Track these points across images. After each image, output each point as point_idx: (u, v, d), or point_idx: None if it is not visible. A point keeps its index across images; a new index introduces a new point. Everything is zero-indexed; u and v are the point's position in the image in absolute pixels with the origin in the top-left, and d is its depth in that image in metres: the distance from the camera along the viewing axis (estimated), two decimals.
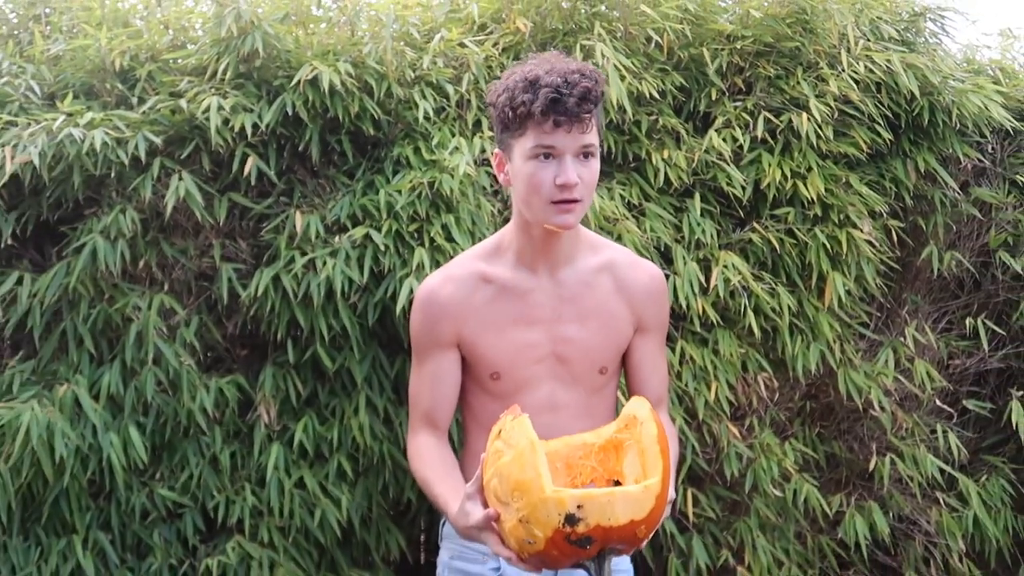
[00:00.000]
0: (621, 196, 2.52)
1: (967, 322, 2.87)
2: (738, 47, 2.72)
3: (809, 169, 2.64)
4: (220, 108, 2.24)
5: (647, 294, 1.87)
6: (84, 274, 2.17)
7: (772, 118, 2.65)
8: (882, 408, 2.68)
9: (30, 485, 2.12)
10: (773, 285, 2.59)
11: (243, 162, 2.29)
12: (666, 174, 2.57)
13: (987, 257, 2.93)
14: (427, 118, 2.42)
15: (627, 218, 2.47)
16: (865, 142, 2.69)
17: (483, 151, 2.40)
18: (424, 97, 2.43)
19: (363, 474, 2.32)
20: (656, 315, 1.90)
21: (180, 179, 2.23)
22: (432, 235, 2.28)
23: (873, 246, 2.68)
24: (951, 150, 2.79)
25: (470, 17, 2.66)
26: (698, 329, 2.53)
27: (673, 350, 2.46)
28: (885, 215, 2.75)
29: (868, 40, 2.75)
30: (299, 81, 2.29)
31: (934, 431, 2.76)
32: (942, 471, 2.73)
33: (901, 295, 2.90)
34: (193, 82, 2.36)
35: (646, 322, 1.87)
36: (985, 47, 3.11)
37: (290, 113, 2.31)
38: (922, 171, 2.78)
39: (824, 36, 2.72)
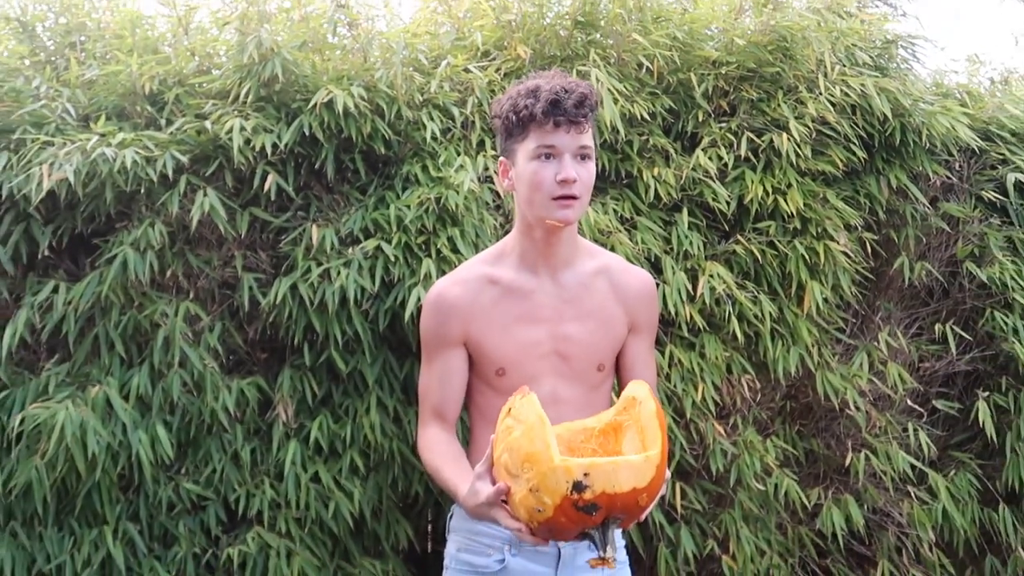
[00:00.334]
0: (614, 210, 2.52)
1: (936, 328, 2.86)
2: (723, 72, 2.72)
3: (789, 185, 2.63)
4: (242, 129, 2.24)
5: (639, 297, 1.89)
6: (115, 283, 2.17)
7: (754, 138, 2.65)
8: (857, 408, 2.68)
9: (64, 479, 2.11)
10: (755, 293, 2.59)
11: (263, 179, 2.29)
12: (656, 190, 2.57)
13: (955, 267, 2.92)
14: (434, 138, 2.42)
15: (620, 231, 2.47)
16: (841, 160, 2.69)
17: (486, 169, 2.40)
18: (431, 119, 2.43)
19: (374, 469, 2.32)
20: (647, 317, 1.91)
21: (205, 195, 2.23)
22: (439, 247, 2.28)
23: (849, 257, 2.67)
24: (921, 168, 2.79)
25: (474, 44, 2.66)
26: (686, 334, 2.53)
27: (663, 353, 2.46)
28: (860, 228, 2.74)
29: (844, 66, 2.75)
30: (315, 104, 2.29)
31: (905, 429, 2.75)
32: (913, 467, 2.72)
33: (875, 303, 2.89)
34: (217, 105, 2.36)
35: (638, 323, 1.89)
36: (953, 72, 3.11)
37: (307, 133, 2.31)
38: (894, 187, 2.77)
39: (803, 62, 2.72)
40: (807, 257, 2.62)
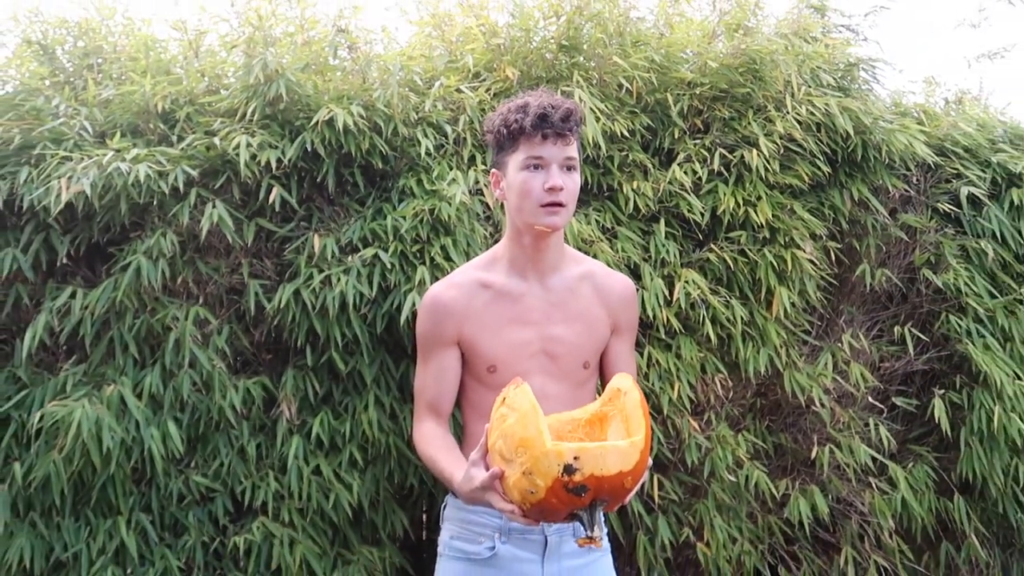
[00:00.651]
0: (597, 221, 2.53)
1: (896, 330, 2.87)
2: (697, 92, 2.73)
3: (759, 198, 2.65)
4: (248, 145, 2.24)
5: (621, 300, 1.91)
6: (129, 289, 2.17)
7: (727, 154, 2.67)
8: (822, 404, 2.69)
9: (80, 473, 2.11)
10: (728, 298, 2.60)
11: (268, 192, 2.29)
12: (635, 202, 2.58)
13: (913, 274, 2.93)
14: (428, 154, 2.43)
15: (602, 240, 2.48)
16: (807, 174, 2.70)
17: (477, 182, 2.41)
18: (426, 136, 2.44)
19: (372, 462, 2.32)
20: (628, 319, 1.93)
21: (214, 207, 2.23)
22: (432, 255, 2.28)
23: (814, 264, 2.69)
24: (881, 181, 2.81)
25: (466, 66, 2.67)
26: (663, 336, 2.54)
27: (641, 354, 2.47)
28: (824, 237, 2.76)
29: (809, 87, 2.76)
30: (317, 122, 2.30)
31: (867, 424, 2.77)
32: (874, 459, 2.74)
33: (839, 306, 2.90)
34: (225, 122, 2.36)
35: (620, 325, 1.91)
36: (910, 92, 3.13)
37: (309, 149, 2.32)
38: (856, 200, 2.79)
39: (771, 83, 2.73)
40: (775, 264, 2.63)
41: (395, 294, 2.26)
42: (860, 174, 2.80)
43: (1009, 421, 2.76)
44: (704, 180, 2.66)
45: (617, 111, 2.65)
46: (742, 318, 2.59)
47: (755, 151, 2.63)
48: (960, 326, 2.84)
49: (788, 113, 2.68)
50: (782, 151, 2.68)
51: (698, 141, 2.71)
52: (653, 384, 2.47)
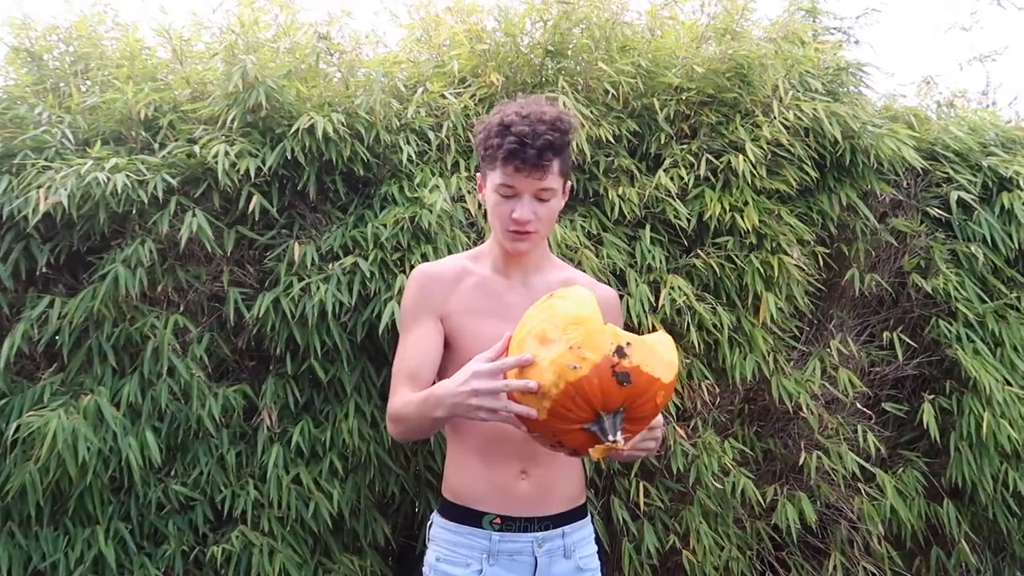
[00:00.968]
0: (582, 227, 2.44)
1: (885, 335, 2.77)
2: (684, 97, 2.62)
3: (746, 203, 2.54)
4: (227, 154, 2.16)
5: (606, 307, 1.81)
6: (107, 298, 2.09)
7: (713, 159, 2.56)
8: (811, 410, 2.59)
9: (58, 482, 2.04)
10: (714, 304, 2.50)
11: (249, 200, 2.21)
12: (621, 208, 2.49)
13: (903, 278, 2.82)
14: (410, 160, 2.34)
15: (587, 247, 2.39)
16: (795, 179, 2.60)
17: (459, 189, 2.32)
18: (408, 142, 2.36)
19: (352, 471, 2.24)
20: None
21: (193, 215, 2.15)
22: (413, 263, 2.19)
23: (802, 270, 2.58)
24: (870, 186, 2.69)
25: (451, 72, 2.57)
26: None
27: None
28: (813, 243, 2.65)
29: (797, 91, 2.65)
30: (298, 129, 2.21)
31: (856, 430, 2.66)
32: (862, 466, 2.63)
33: (828, 312, 2.80)
34: (208, 130, 2.28)
35: None
36: (902, 96, 3.01)
37: (290, 157, 2.23)
38: (844, 205, 2.67)
39: (759, 88, 2.63)
40: (762, 270, 2.53)
41: (375, 302, 2.18)
42: (849, 179, 2.69)
43: (999, 427, 2.65)
44: (691, 185, 2.56)
45: (603, 116, 2.55)
46: (729, 324, 2.49)
47: (742, 156, 2.53)
48: (950, 331, 2.73)
49: (775, 118, 2.57)
50: (769, 156, 2.57)
51: (685, 146, 2.61)
52: None
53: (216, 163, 2.15)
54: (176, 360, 2.12)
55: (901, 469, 2.75)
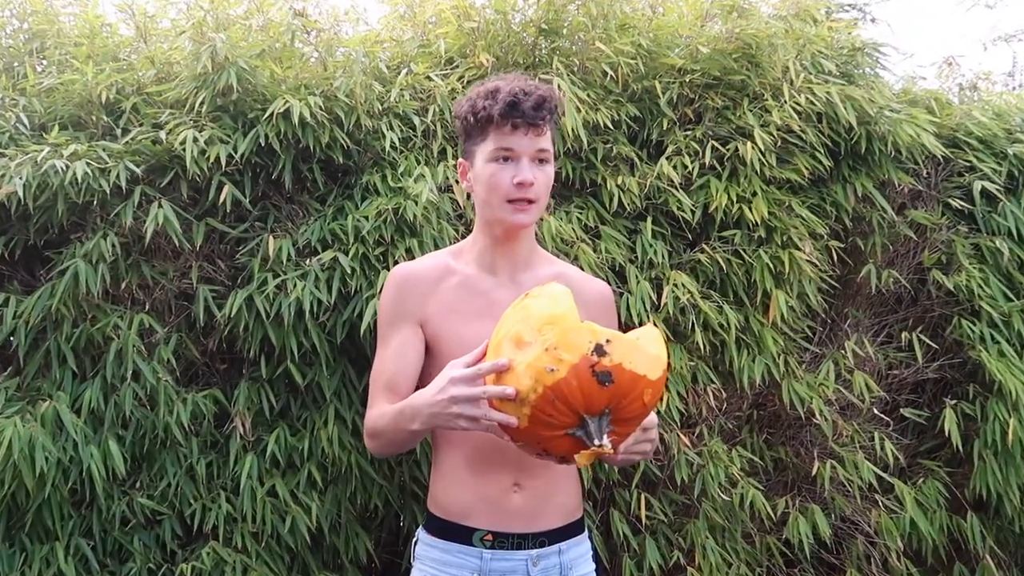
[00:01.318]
0: (578, 219, 2.47)
1: (904, 336, 2.81)
2: (688, 80, 2.66)
3: (754, 194, 2.58)
4: (196, 140, 2.18)
5: (596, 304, 1.85)
6: (67, 296, 2.11)
7: (719, 146, 2.60)
8: (824, 417, 2.63)
9: (13, 495, 2.06)
10: (720, 302, 2.53)
11: (219, 190, 2.23)
12: (620, 199, 2.52)
13: (922, 275, 2.87)
14: (394, 147, 2.37)
15: (584, 241, 2.42)
16: (807, 168, 2.64)
17: (447, 178, 2.35)
18: (391, 128, 2.38)
19: (332, 482, 2.27)
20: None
21: (160, 206, 2.17)
22: (397, 258, 2.22)
23: (814, 265, 2.62)
24: (887, 176, 2.74)
25: (437, 52, 2.60)
26: None
27: None
28: (826, 236, 2.69)
29: (809, 73, 2.69)
30: (272, 114, 2.24)
31: (873, 438, 2.70)
32: (879, 477, 2.67)
33: (843, 310, 2.84)
34: (174, 114, 2.30)
35: None
36: (921, 78, 3.05)
37: (264, 144, 2.26)
38: (860, 195, 2.72)
39: (768, 70, 2.67)
40: (772, 266, 2.57)
41: (356, 300, 2.21)
42: (865, 168, 2.73)
43: None
44: (695, 175, 2.59)
45: (601, 100, 2.58)
46: (736, 324, 2.53)
47: (750, 143, 2.56)
48: (973, 331, 2.78)
49: (786, 102, 2.61)
50: (779, 143, 2.61)
51: (689, 133, 2.65)
52: None
53: (184, 150, 2.17)
54: (141, 363, 2.15)
55: (921, 480, 2.79)
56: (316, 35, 2.51)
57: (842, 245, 2.73)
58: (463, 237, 2.33)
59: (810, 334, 2.75)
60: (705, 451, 2.52)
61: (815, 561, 2.74)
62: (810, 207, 2.67)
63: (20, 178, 2.06)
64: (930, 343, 2.80)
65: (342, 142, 2.32)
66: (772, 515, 2.57)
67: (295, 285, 2.17)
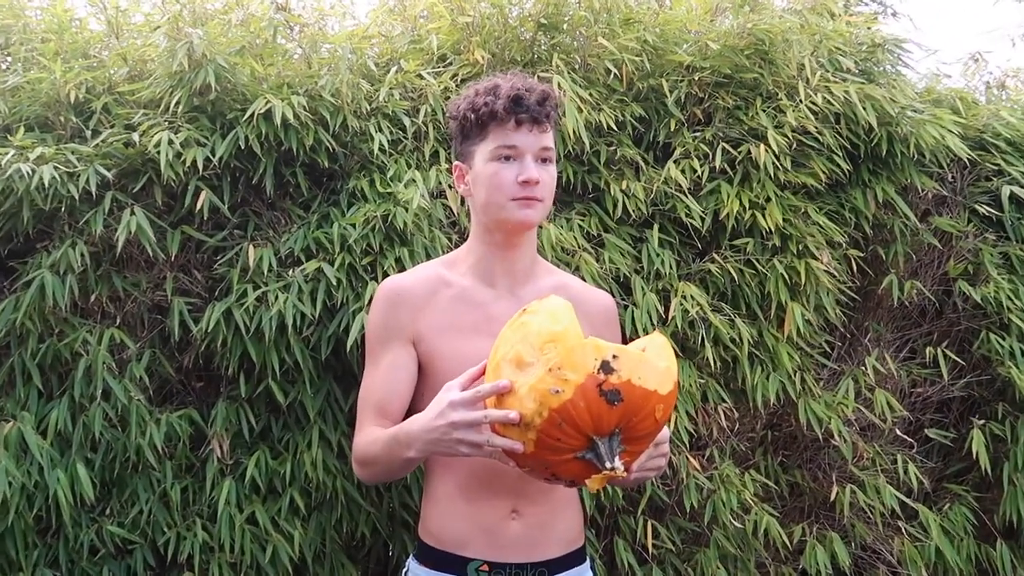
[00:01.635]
0: (580, 226, 2.49)
1: (928, 351, 2.83)
2: (697, 78, 2.69)
3: (768, 200, 2.60)
4: (171, 142, 2.20)
5: (601, 316, 1.87)
6: (32, 309, 2.12)
7: (731, 149, 2.62)
8: (843, 438, 2.64)
9: None
10: (732, 316, 2.55)
11: (196, 196, 2.25)
12: (625, 205, 2.54)
13: (948, 286, 2.89)
14: (383, 150, 2.38)
15: (586, 250, 2.44)
16: (824, 172, 2.66)
17: (439, 183, 2.37)
18: (380, 129, 2.40)
19: (316, 509, 2.27)
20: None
21: (132, 213, 2.18)
22: (386, 268, 2.23)
23: (833, 276, 2.64)
24: (910, 180, 2.76)
25: (429, 49, 2.62)
26: None
27: None
28: (845, 245, 2.71)
29: (827, 71, 2.72)
30: (252, 114, 2.25)
31: (895, 460, 2.71)
32: (903, 503, 2.69)
33: (863, 324, 2.86)
34: (148, 115, 2.32)
35: None
36: (946, 76, 3.08)
37: (243, 146, 2.27)
38: (881, 201, 2.74)
39: (782, 67, 2.69)
40: (787, 277, 2.59)
41: (342, 314, 2.22)
42: (886, 172, 2.76)
43: None
44: (704, 179, 2.61)
45: (604, 100, 2.61)
46: (749, 339, 2.54)
47: (763, 146, 2.59)
48: (1002, 346, 2.80)
49: (801, 102, 2.63)
50: (794, 146, 2.63)
51: (698, 134, 2.67)
52: None
53: (158, 153, 2.18)
54: (112, 381, 2.15)
55: (947, 505, 2.81)
56: (300, 30, 2.53)
57: (862, 254, 2.75)
58: (457, 246, 2.35)
59: (828, 349, 2.77)
60: (716, 475, 2.53)
61: None
62: (827, 214, 2.69)
63: None
64: (956, 359, 2.82)
65: (327, 144, 2.33)
66: (788, 543, 2.58)
67: (277, 297, 2.18)
